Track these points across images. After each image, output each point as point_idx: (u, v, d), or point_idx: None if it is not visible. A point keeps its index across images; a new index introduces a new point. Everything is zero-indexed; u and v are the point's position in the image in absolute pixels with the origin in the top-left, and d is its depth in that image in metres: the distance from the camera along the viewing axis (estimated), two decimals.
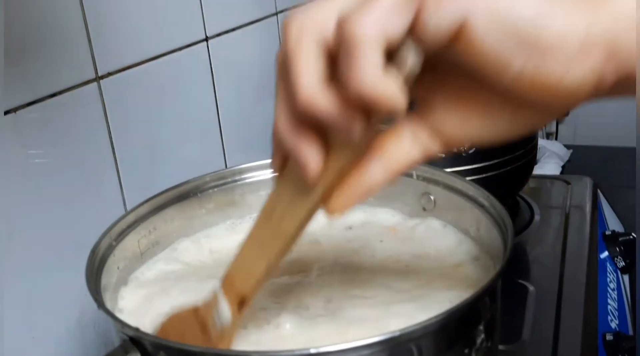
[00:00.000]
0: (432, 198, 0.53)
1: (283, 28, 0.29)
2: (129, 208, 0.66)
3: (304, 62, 0.28)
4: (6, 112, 0.52)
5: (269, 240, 0.35)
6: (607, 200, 0.92)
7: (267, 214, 0.35)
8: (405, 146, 0.32)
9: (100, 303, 0.37)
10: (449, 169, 0.55)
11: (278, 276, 0.46)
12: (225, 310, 0.36)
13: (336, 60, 0.27)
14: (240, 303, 0.36)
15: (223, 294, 0.37)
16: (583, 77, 0.27)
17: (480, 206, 0.48)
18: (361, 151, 0.31)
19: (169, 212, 0.51)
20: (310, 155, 0.30)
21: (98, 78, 0.61)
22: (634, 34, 0.27)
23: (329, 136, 0.30)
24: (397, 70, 0.27)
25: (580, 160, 1.29)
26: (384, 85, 0.26)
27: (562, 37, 0.27)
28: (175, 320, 0.40)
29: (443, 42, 0.27)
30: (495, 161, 0.73)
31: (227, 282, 0.37)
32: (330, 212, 0.32)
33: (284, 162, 0.33)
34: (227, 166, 0.84)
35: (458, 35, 0.27)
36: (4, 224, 0.52)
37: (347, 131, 0.28)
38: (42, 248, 0.56)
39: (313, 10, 0.28)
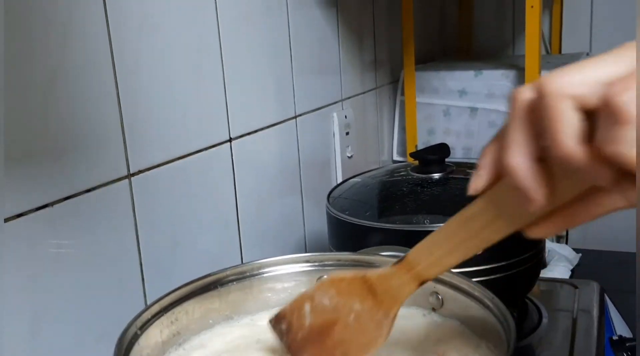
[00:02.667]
0: (440, 297, 0.55)
1: (539, 82, 0.34)
2: (148, 300, 0.69)
3: (566, 122, 0.33)
4: (44, 206, 0.56)
5: (465, 242, 0.42)
6: (615, 305, 0.94)
7: (465, 221, 0.41)
8: (613, 195, 0.36)
9: None
10: (456, 270, 0.57)
11: None
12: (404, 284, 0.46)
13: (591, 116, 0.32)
14: (420, 284, 0.46)
15: (402, 273, 0.46)
16: None
17: (486, 307, 0.50)
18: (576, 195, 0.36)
19: (190, 304, 0.54)
20: (541, 192, 0.35)
21: (130, 175, 0.66)
22: None
23: (556, 180, 0.35)
24: None
25: (590, 264, 1.30)
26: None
27: None
28: (338, 281, 0.49)
29: None
30: (503, 263, 0.76)
31: (406, 265, 0.46)
32: (531, 236, 0.39)
33: (492, 184, 0.39)
34: (243, 260, 0.87)
35: None
36: (31, 309, 0.55)
37: (596, 179, 0.33)
38: (65, 334, 0.59)
39: (572, 74, 0.33)
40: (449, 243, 0.43)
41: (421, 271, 0.45)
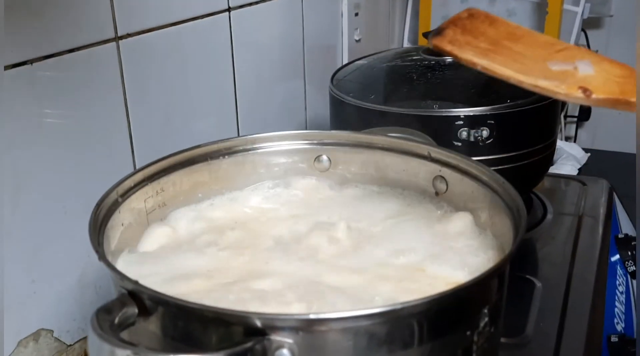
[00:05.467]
0: (445, 180, 0.52)
1: None
2: None
3: None
4: (22, 63, 0.52)
5: None
6: (623, 205, 0.91)
7: None
8: None
9: (101, 255, 0.36)
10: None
11: None
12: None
13: None
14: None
15: None
16: None
17: (494, 191, 0.47)
18: None
19: (178, 175, 0.51)
20: None
21: (117, 38, 0.61)
22: None
23: None
24: None
25: (597, 164, 1.26)
26: None
27: None
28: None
29: None
30: (512, 153, 0.72)
31: None
32: None
33: None
34: None
35: None
36: (11, 178, 0.52)
37: None
38: (49, 206, 0.56)
39: None
40: None
41: None
